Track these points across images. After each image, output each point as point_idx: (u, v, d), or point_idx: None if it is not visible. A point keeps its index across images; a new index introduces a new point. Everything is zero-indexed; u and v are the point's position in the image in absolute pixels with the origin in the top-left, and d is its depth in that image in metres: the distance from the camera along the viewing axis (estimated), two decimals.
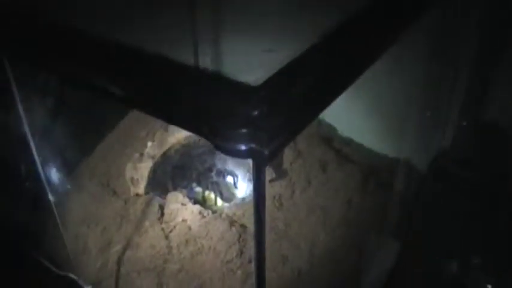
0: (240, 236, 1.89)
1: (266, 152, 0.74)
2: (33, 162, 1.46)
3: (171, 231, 1.95)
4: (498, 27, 1.76)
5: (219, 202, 2.27)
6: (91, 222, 2.01)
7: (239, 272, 1.81)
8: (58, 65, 1.03)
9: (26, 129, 1.35)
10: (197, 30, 1.04)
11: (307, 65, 0.91)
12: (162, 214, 2.02)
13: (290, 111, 0.80)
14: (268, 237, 1.92)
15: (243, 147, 0.74)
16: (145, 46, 0.93)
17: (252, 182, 2.07)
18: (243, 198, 2.14)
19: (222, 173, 2.33)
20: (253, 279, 1.79)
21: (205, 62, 0.90)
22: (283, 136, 0.78)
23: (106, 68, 0.97)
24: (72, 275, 1.65)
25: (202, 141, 2.18)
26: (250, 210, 1.99)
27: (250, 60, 0.91)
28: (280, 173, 2.12)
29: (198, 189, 2.31)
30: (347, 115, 2.25)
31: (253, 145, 0.73)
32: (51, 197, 1.56)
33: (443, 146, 2.01)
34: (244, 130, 0.74)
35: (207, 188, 2.29)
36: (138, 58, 0.94)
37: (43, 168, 1.49)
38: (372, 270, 1.88)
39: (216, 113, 0.78)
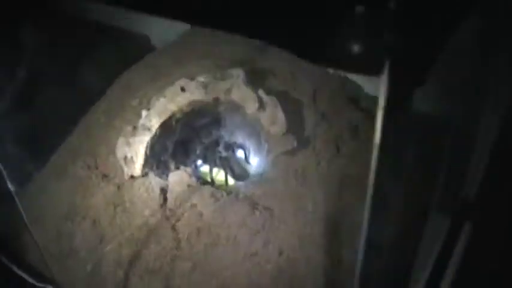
0: (265, 222, 1.55)
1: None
2: None
3: (178, 220, 1.60)
4: None
5: (231, 181, 1.92)
6: (77, 215, 1.66)
7: (268, 266, 1.47)
8: None
9: None
10: None
11: None
12: (165, 199, 1.67)
13: None
14: (294, 220, 1.64)
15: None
16: None
17: (268, 154, 1.73)
18: (261, 175, 1.77)
19: (231, 146, 1.98)
20: (286, 274, 1.49)
21: None
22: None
23: None
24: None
25: (208, 108, 1.81)
26: (272, 189, 1.70)
27: None
28: (302, 141, 1.76)
29: (205, 166, 1.96)
30: None
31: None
32: (11, 187, 1.17)
33: None
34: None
35: (215, 165, 1.94)
36: None
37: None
38: (426, 255, 1.53)
39: None
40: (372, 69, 0.51)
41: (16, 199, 1.17)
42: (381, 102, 0.56)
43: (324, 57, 0.53)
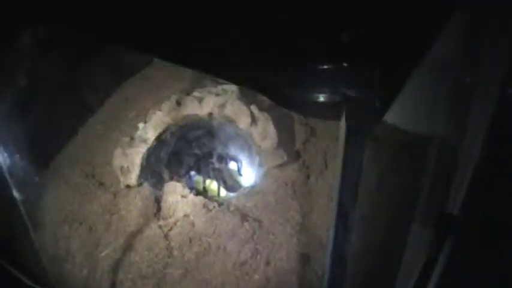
0: (254, 233, 1.60)
1: (376, 102, 0.41)
2: None
3: (170, 229, 1.65)
4: None
5: (223, 192, 1.97)
6: (74, 221, 1.70)
7: (256, 276, 1.52)
8: None
9: None
10: None
11: None
12: (159, 209, 1.72)
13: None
14: (282, 232, 1.68)
15: (329, 94, 0.42)
16: None
17: (259, 168, 1.78)
18: (252, 187, 1.82)
19: (224, 159, 2.03)
20: (273, 283, 1.54)
21: None
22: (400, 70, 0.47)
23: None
24: None
25: (202, 122, 1.87)
26: (263, 201, 1.75)
27: None
28: (292, 155, 1.83)
29: (198, 177, 2.01)
30: None
31: (349, 89, 0.41)
32: (15, 194, 1.23)
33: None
34: (330, 65, 0.42)
35: (208, 176, 2.00)
36: None
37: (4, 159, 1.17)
38: (411, 267, 1.58)
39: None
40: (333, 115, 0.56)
41: (20, 206, 1.22)
42: (341, 142, 0.63)
43: (288, 103, 0.56)
